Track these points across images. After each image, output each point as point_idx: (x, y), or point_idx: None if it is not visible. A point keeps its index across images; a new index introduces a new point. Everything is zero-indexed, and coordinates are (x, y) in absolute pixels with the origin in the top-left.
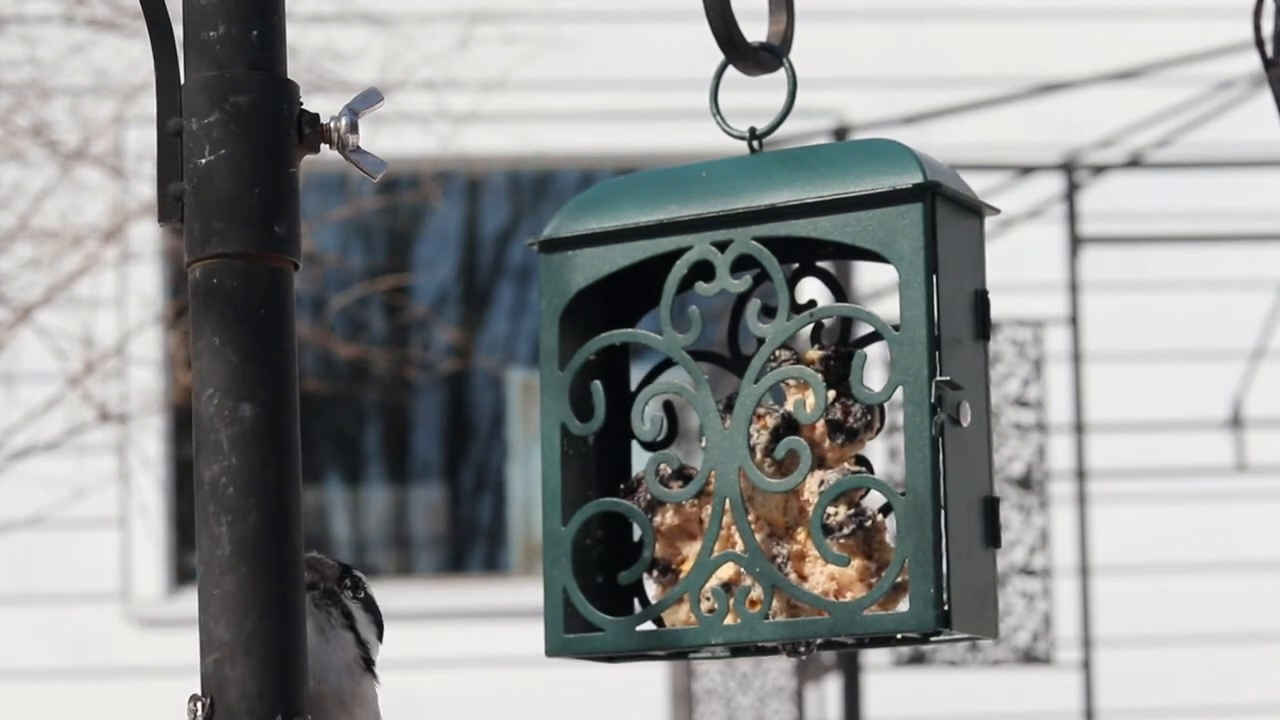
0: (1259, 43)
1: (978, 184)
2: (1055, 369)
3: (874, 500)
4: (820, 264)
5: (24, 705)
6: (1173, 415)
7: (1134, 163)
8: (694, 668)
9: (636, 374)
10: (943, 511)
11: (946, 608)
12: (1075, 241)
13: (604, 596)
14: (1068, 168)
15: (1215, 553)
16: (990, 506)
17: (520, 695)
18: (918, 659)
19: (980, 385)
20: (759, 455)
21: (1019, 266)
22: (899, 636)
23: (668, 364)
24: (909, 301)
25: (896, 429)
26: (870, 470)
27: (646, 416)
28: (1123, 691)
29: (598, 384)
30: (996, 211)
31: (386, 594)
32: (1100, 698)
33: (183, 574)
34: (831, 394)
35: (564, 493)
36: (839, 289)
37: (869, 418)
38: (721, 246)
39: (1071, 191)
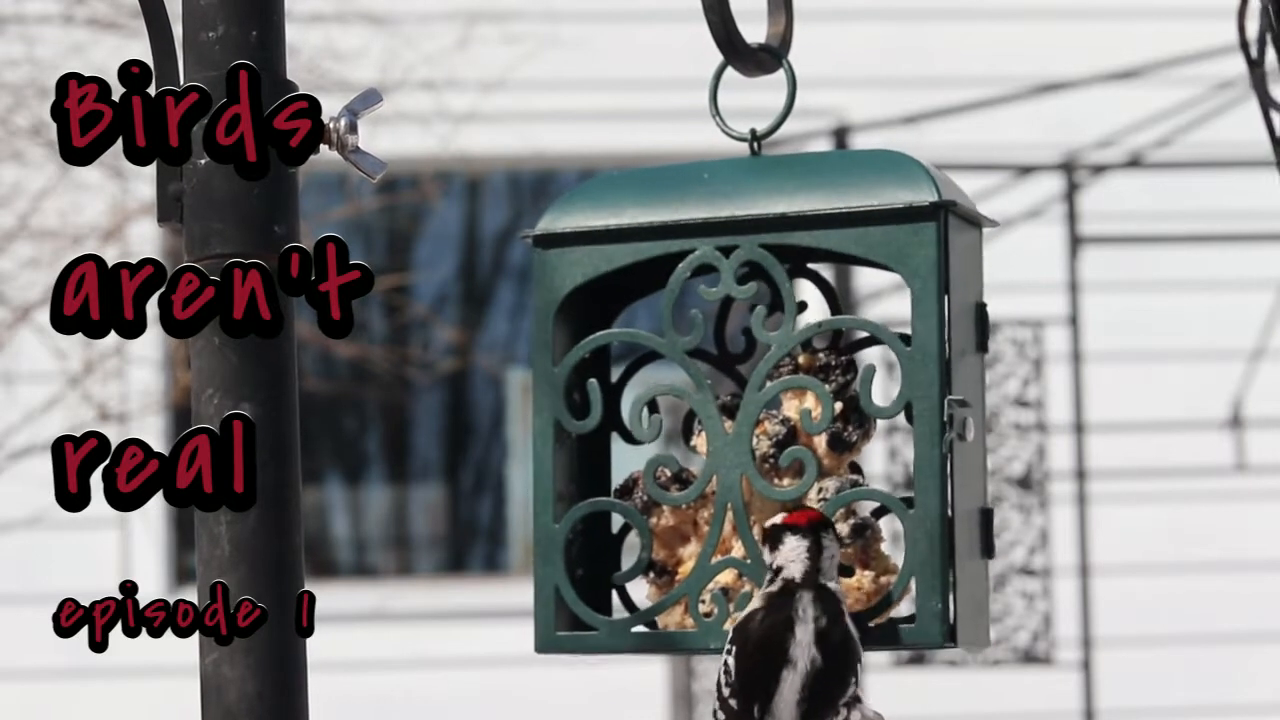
0: (1243, 44)
1: (977, 184)
2: (1055, 369)
3: (864, 507)
4: (811, 266)
5: (24, 705)
6: (1173, 415)
7: (1134, 163)
8: (694, 667)
9: (613, 370)
10: (951, 527)
11: (953, 622)
12: (1075, 241)
13: (582, 591)
14: (1068, 168)
15: (1215, 553)
16: (986, 518)
17: (520, 695)
18: (917, 659)
19: (978, 397)
20: (758, 461)
21: (1019, 266)
22: (891, 646)
23: (644, 360)
24: (921, 317)
25: (896, 428)
26: (863, 478)
27: (644, 418)
28: (1123, 691)
29: (594, 382)
30: (995, 224)
31: (386, 594)
32: (1100, 698)
33: (183, 574)
34: (838, 405)
35: (554, 489)
36: (831, 292)
37: (865, 428)
38: (726, 251)
39: (1071, 191)
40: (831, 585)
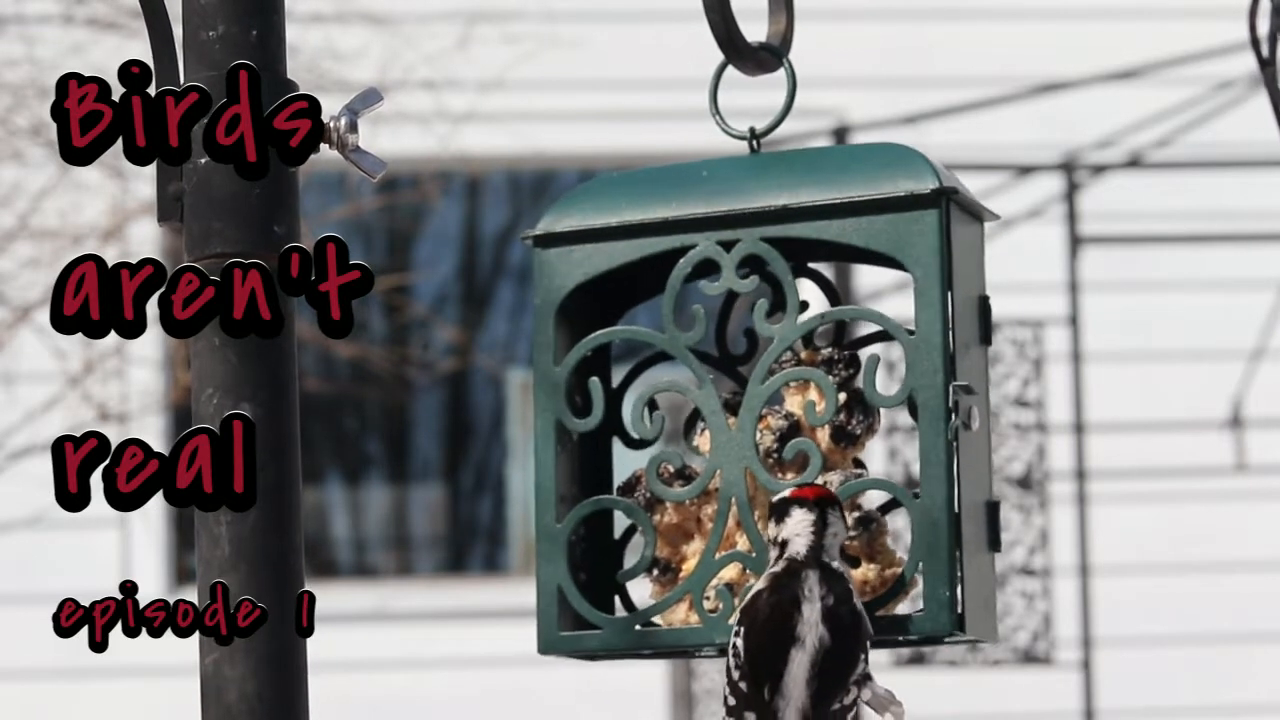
0: (1254, 42)
1: (978, 184)
2: (1055, 369)
3: (869, 501)
4: (812, 264)
5: (24, 705)
6: (1173, 415)
7: (1134, 163)
8: (694, 667)
9: (616, 370)
10: (958, 516)
11: (961, 611)
12: (1075, 241)
13: (585, 590)
14: (1068, 168)
15: (1215, 553)
16: (992, 510)
17: (519, 695)
18: (918, 659)
19: (983, 389)
20: (761, 455)
21: (1019, 266)
22: (899, 638)
23: (652, 361)
24: (924, 306)
25: (896, 428)
26: (868, 472)
27: (646, 415)
28: (1123, 691)
29: (596, 381)
30: (997, 217)
31: (386, 594)
32: (1100, 698)
33: (183, 574)
34: (842, 397)
35: (556, 489)
36: (832, 289)
37: (869, 421)
38: (727, 246)
39: (1071, 191)
40: (836, 565)
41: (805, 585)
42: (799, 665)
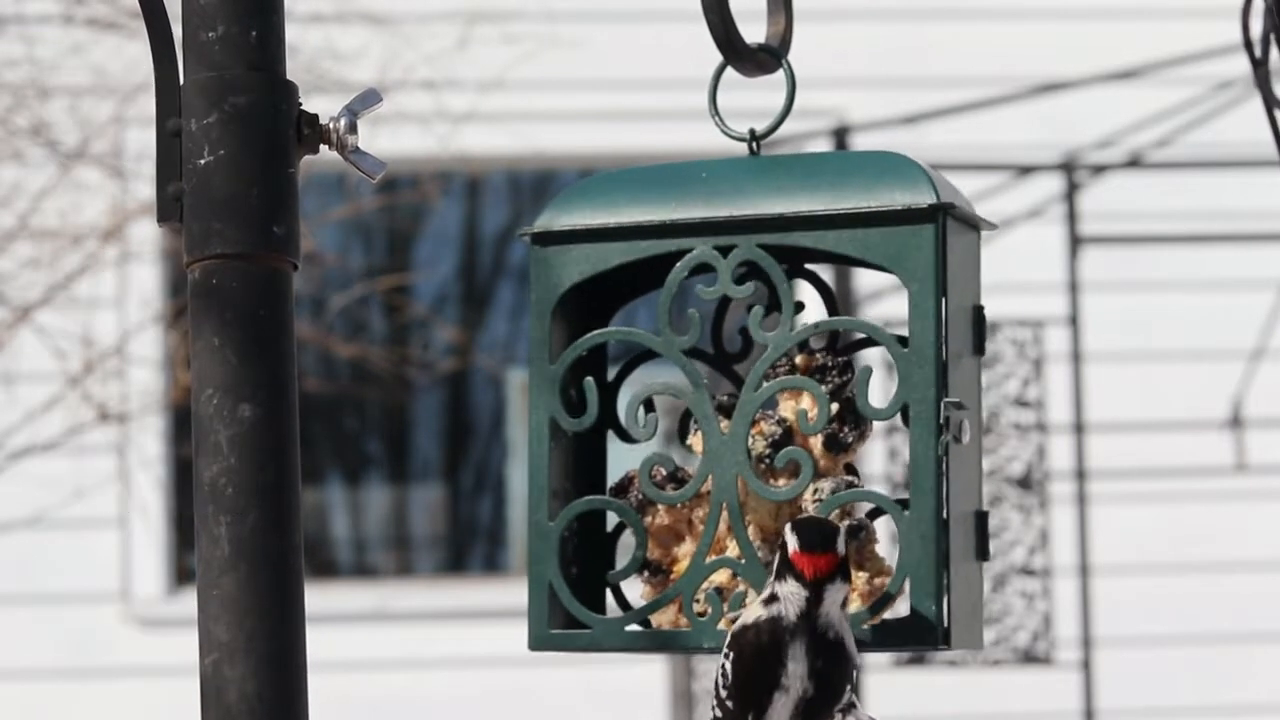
0: (1247, 44)
1: (977, 184)
2: (1055, 369)
3: (860, 507)
4: (809, 267)
5: (24, 705)
6: (1173, 415)
7: (1134, 163)
8: (694, 667)
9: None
10: (946, 530)
11: (947, 624)
12: (1075, 241)
13: (578, 589)
14: (1068, 168)
15: (1215, 553)
16: (981, 521)
17: (519, 695)
18: (918, 659)
19: (974, 400)
20: (754, 461)
21: (1019, 266)
22: (885, 647)
23: (641, 359)
24: (919, 319)
25: (897, 429)
26: (859, 479)
27: (640, 417)
28: (1123, 691)
29: (590, 380)
30: (994, 227)
31: (387, 594)
32: (1100, 698)
33: (183, 574)
34: (835, 406)
35: (549, 486)
36: (828, 293)
37: (861, 429)
38: (724, 251)
39: (1071, 191)
40: (828, 618)
41: (793, 641)
42: (783, 706)
